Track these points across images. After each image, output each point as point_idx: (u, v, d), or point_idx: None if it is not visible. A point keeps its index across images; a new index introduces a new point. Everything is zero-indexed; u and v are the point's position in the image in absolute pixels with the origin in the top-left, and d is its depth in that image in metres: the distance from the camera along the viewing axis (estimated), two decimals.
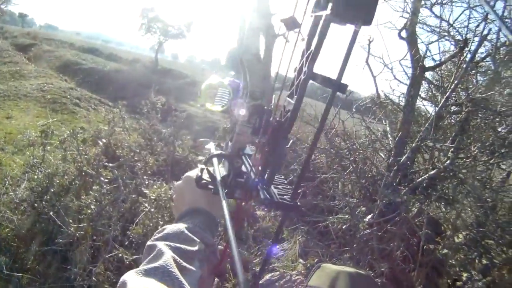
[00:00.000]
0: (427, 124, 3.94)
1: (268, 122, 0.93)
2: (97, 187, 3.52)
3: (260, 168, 0.91)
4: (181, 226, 0.81)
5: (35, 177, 4.05)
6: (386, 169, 4.06)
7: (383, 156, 4.43)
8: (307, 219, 4.03)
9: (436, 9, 4.70)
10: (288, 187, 0.96)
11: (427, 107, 5.40)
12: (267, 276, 3.06)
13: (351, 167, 3.98)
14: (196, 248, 0.76)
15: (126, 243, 3.17)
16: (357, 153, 4.12)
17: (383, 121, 4.86)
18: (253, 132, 0.98)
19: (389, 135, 4.62)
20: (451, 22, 4.65)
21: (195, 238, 0.79)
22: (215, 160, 0.94)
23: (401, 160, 3.90)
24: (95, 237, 3.26)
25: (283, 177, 1.03)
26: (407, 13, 4.58)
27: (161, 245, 0.73)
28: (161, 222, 3.07)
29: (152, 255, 0.71)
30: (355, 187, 4.03)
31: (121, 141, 4.76)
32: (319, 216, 3.83)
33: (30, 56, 22.71)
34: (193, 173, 1.00)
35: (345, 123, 4.31)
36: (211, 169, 0.93)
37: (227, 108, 1.08)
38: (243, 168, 0.97)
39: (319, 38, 0.74)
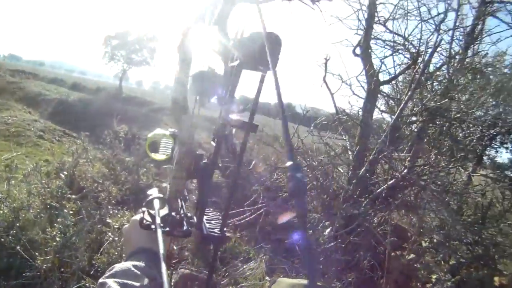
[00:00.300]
0: (383, 136, 4.07)
1: (199, 164, 1.07)
2: (62, 219, 3.52)
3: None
4: (128, 264, 0.90)
5: (1, 212, 4.00)
6: (347, 183, 4.17)
7: (342, 171, 4.54)
8: (272, 238, 4.11)
9: (390, 24, 4.91)
10: (220, 222, 1.10)
11: (388, 119, 5.54)
12: None
13: (311, 184, 4.06)
14: (140, 283, 0.85)
15: (92, 272, 3.19)
16: (315, 171, 4.22)
17: (343, 136, 4.98)
18: (187, 176, 1.09)
19: (348, 150, 4.73)
20: (406, 35, 4.85)
21: (140, 273, 0.88)
22: (156, 202, 1.02)
23: (360, 173, 4.01)
24: (62, 269, 3.26)
25: (218, 213, 1.17)
26: (361, 30, 4.75)
27: (110, 282, 0.81)
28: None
29: None
30: (318, 202, 4.12)
31: (85, 172, 4.77)
32: (283, 233, 3.90)
33: None
34: (137, 217, 1.09)
35: (306, 140, 4.40)
36: (152, 211, 1.01)
37: (170, 157, 1.18)
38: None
39: (232, 84, 0.89)
